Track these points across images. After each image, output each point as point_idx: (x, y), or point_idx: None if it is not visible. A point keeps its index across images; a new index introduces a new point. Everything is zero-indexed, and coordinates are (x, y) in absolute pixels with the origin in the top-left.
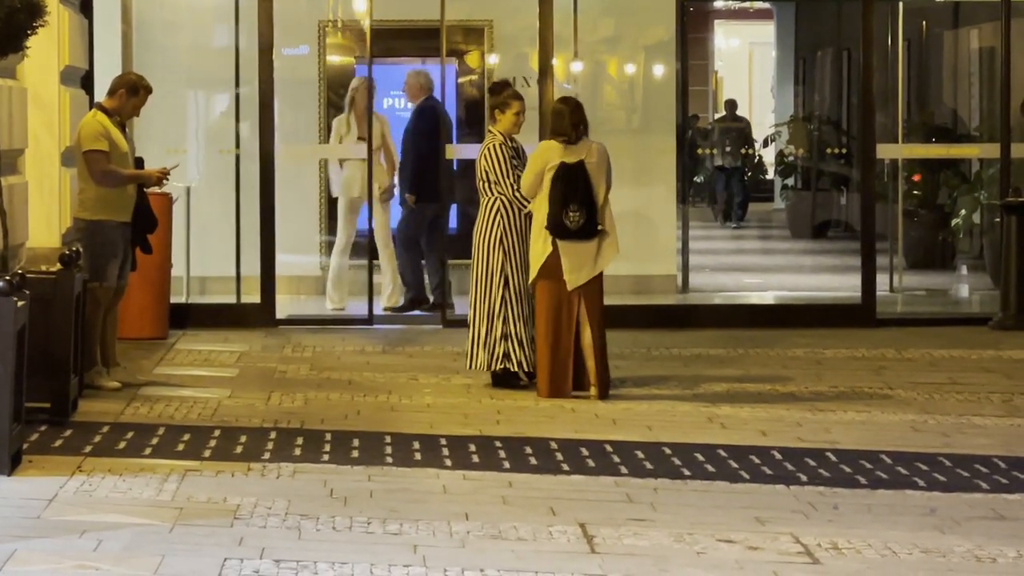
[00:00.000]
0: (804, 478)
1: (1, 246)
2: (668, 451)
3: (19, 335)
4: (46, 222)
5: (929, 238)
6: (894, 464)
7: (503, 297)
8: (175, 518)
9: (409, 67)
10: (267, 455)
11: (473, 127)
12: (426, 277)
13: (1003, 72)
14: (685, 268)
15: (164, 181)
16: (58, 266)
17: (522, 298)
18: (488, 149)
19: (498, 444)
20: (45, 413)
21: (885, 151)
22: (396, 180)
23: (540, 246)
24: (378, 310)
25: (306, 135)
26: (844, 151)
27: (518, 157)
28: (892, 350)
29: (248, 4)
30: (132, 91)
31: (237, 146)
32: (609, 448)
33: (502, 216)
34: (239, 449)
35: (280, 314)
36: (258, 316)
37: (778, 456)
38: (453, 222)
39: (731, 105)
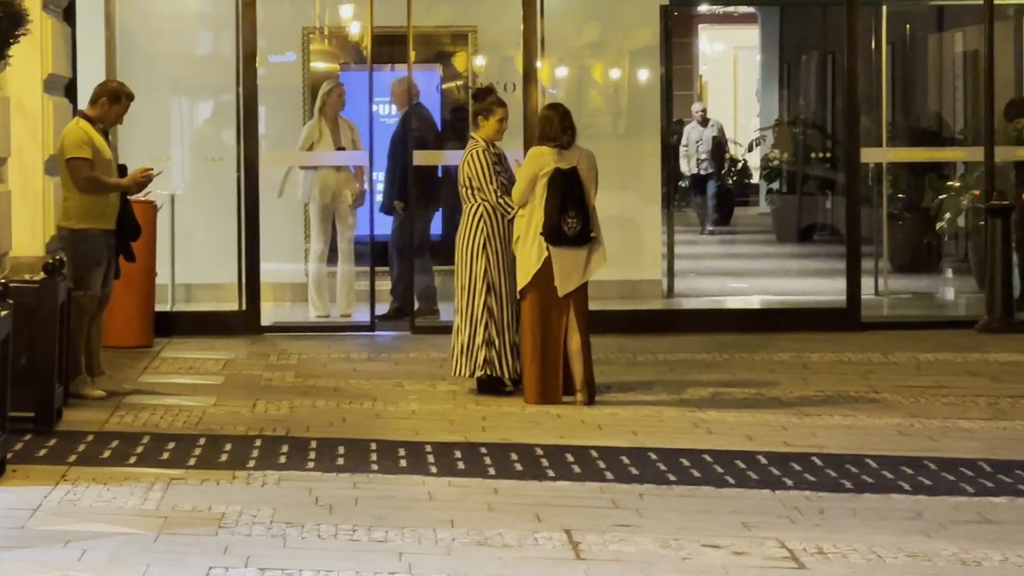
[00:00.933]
0: (790, 483)
1: None
2: (654, 456)
3: (3, 344)
4: (30, 231)
5: (914, 241)
6: (880, 468)
7: (486, 303)
8: (160, 527)
9: (396, 74)
10: (252, 463)
11: (459, 133)
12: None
13: (987, 75)
14: (670, 273)
15: (149, 182)
16: (42, 275)
17: (506, 304)
18: (471, 155)
19: (483, 450)
20: (29, 422)
21: (870, 155)
22: (365, 186)
23: (535, 253)
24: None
25: (291, 142)
26: (829, 155)
27: (500, 163)
28: (878, 354)
29: (232, 11)
30: (114, 99)
31: (222, 154)
32: (595, 454)
33: (485, 222)
34: (224, 457)
35: (265, 321)
36: (243, 323)
37: (764, 461)
38: (439, 228)
39: (700, 111)
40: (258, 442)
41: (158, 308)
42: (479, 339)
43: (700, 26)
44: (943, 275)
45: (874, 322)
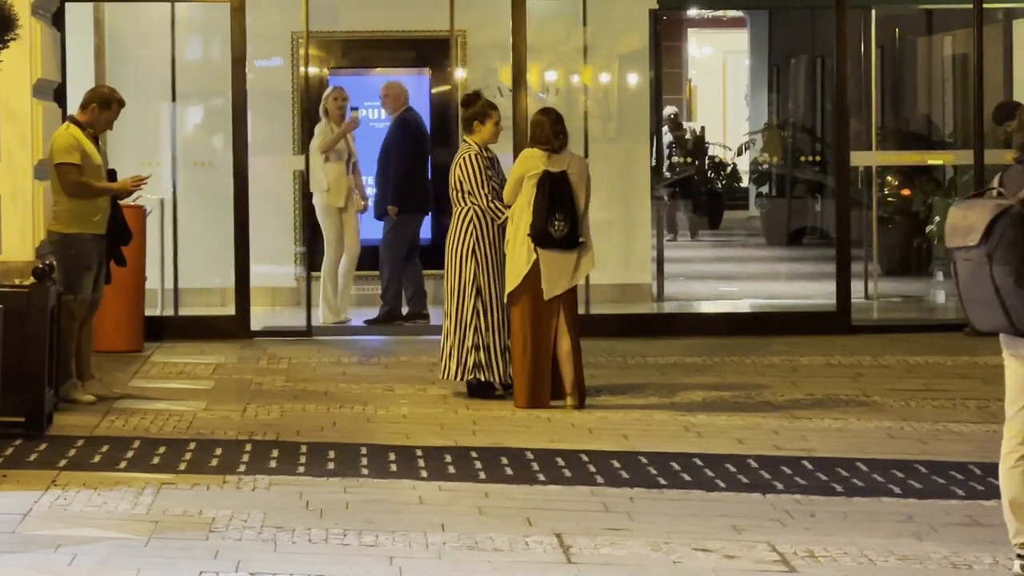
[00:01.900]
0: (780, 486)
1: None
2: (644, 460)
3: None
4: (20, 235)
5: (904, 244)
6: (870, 471)
7: (475, 307)
8: (150, 531)
9: (386, 78)
10: (243, 467)
11: (449, 137)
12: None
13: (976, 78)
14: (660, 276)
15: (139, 188)
16: (32, 280)
17: (495, 308)
18: (463, 159)
19: (474, 455)
20: (20, 427)
21: (859, 158)
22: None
23: (523, 255)
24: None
25: (280, 146)
26: (818, 158)
27: (493, 167)
28: (868, 357)
29: (221, 16)
30: (104, 105)
31: (211, 158)
32: (585, 458)
33: (475, 226)
34: (215, 462)
35: (255, 326)
36: (233, 328)
37: (754, 464)
38: (429, 232)
39: (673, 117)
40: (248, 446)
41: (148, 312)
42: (469, 343)
43: (689, 30)
44: (933, 278)
45: (864, 325)
